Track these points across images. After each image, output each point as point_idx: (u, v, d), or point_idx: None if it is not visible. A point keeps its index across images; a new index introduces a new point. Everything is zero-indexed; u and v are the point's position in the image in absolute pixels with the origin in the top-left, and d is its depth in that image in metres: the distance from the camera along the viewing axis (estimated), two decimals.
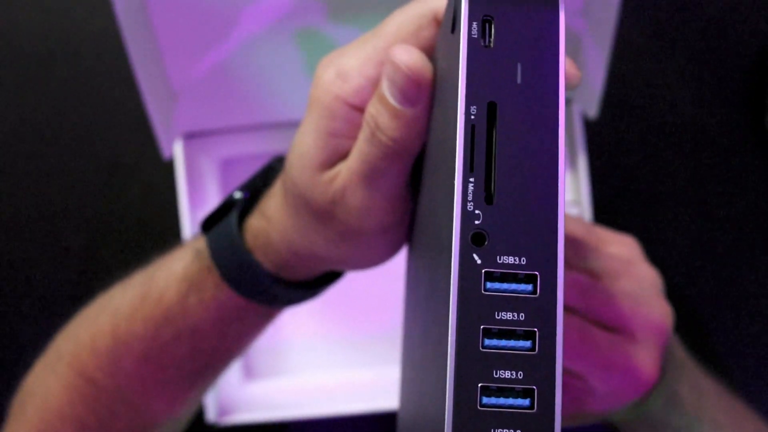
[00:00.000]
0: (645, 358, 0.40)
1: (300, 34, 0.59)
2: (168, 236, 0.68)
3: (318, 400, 0.65)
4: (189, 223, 0.64)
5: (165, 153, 0.61)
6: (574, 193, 0.66)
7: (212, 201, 0.66)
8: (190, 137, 0.65)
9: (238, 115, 0.64)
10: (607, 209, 0.68)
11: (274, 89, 0.62)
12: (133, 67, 0.55)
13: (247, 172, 0.67)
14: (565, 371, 0.39)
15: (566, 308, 0.38)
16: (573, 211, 0.63)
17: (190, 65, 0.60)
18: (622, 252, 0.42)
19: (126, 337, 0.47)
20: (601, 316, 0.40)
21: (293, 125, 0.65)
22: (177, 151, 0.64)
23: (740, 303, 0.71)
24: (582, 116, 0.65)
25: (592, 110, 0.62)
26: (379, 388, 0.64)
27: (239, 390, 0.65)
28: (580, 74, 0.30)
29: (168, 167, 0.67)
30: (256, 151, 0.66)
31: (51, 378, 0.50)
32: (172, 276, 0.45)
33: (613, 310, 0.40)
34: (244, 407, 0.65)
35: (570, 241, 0.40)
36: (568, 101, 0.66)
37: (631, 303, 0.40)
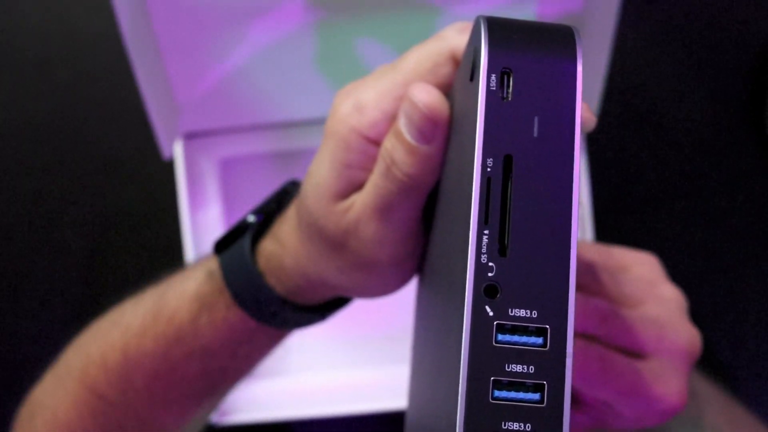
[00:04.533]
0: (671, 385, 0.38)
1: (304, 29, 0.59)
2: (168, 236, 0.68)
3: (318, 400, 0.65)
4: (189, 222, 0.64)
5: (165, 153, 0.61)
6: None
7: (212, 200, 0.66)
8: (190, 137, 0.65)
9: (238, 116, 0.64)
10: (607, 209, 0.68)
11: (274, 90, 0.62)
12: (134, 70, 0.55)
13: (246, 171, 0.67)
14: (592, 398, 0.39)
15: (587, 336, 0.38)
16: None
17: (193, 74, 0.60)
18: (643, 274, 0.41)
19: (137, 354, 0.47)
20: (623, 343, 0.39)
21: (293, 125, 0.65)
22: (177, 151, 0.65)
23: (740, 303, 0.71)
24: None
25: (592, 108, 0.62)
26: (380, 388, 0.64)
27: (240, 390, 0.65)
28: (595, 118, 0.30)
29: (168, 167, 0.67)
30: (255, 150, 0.66)
31: (60, 392, 0.50)
32: (184, 296, 0.45)
33: (636, 337, 0.39)
34: (245, 407, 0.65)
35: (588, 266, 0.40)
36: None
37: (656, 328, 0.39)
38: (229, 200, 0.66)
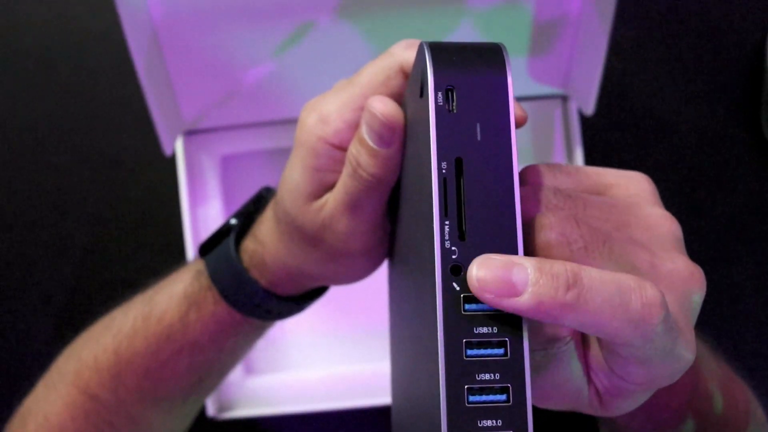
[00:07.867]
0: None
1: (301, 29, 0.59)
2: (169, 231, 0.69)
3: (317, 396, 0.66)
4: (190, 218, 0.64)
5: (166, 150, 0.62)
6: None
7: (213, 197, 0.66)
8: (191, 134, 0.66)
9: (238, 113, 0.65)
10: None
11: (274, 88, 0.63)
12: (136, 68, 0.56)
13: (246, 168, 0.67)
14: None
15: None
16: None
17: (194, 71, 0.60)
18: (622, 195, 0.35)
19: (128, 354, 0.50)
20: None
21: (291, 123, 0.65)
22: (178, 148, 0.65)
23: (734, 302, 0.71)
24: (578, 113, 0.66)
25: (589, 107, 0.62)
26: (378, 383, 0.65)
27: (239, 385, 0.66)
28: (527, 115, 0.34)
29: (169, 164, 0.68)
30: (255, 147, 0.66)
31: (53, 397, 0.52)
32: (172, 296, 0.49)
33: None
34: (243, 402, 0.66)
35: (552, 191, 0.34)
36: (566, 99, 0.67)
37: (646, 254, 0.32)
38: (229, 196, 0.67)
